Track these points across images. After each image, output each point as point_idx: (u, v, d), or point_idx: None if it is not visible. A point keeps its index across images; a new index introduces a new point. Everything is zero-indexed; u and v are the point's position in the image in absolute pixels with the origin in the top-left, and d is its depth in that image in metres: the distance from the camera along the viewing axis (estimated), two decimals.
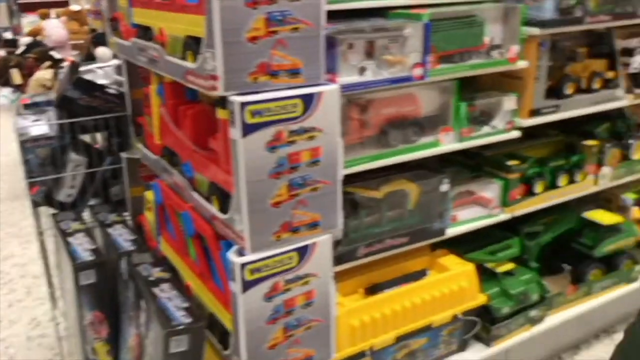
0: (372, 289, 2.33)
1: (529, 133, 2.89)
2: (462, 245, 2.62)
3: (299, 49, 1.63)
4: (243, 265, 1.67)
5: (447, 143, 2.30)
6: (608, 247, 2.84)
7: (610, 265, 2.90)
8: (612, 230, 2.85)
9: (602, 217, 2.85)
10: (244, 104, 1.55)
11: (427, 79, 2.08)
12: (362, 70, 2.01)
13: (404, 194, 2.35)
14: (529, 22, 2.36)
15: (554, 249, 2.98)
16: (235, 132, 1.59)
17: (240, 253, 1.70)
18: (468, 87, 2.50)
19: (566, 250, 2.95)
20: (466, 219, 2.51)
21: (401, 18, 2.10)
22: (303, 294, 1.81)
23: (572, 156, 2.79)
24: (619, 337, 3.18)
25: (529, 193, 2.66)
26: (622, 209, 3.03)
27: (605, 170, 2.82)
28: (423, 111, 2.29)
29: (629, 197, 3.00)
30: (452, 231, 2.45)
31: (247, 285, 1.69)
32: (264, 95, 1.59)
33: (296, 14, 1.60)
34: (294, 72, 1.65)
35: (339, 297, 2.19)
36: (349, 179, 2.11)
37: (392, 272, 2.41)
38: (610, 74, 2.74)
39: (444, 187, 2.37)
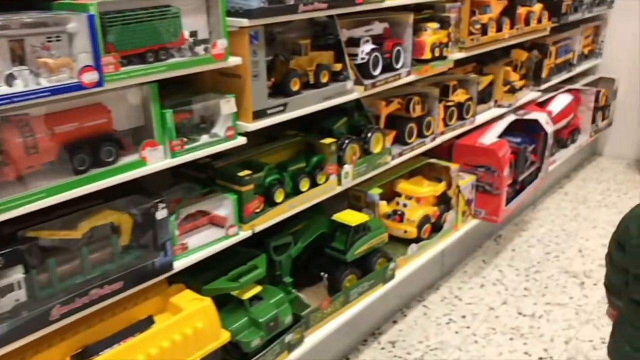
0: (81, 355, 1.83)
1: (271, 135, 2.64)
2: (204, 273, 2.25)
3: None
4: None
5: (154, 161, 1.88)
6: (359, 249, 2.68)
7: (365, 267, 2.75)
8: (361, 230, 2.69)
9: (349, 218, 2.68)
10: None
11: (105, 86, 1.64)
12: (9, 79, 1.50)
13: (111, 228, 1.89)
14: (236, 13, 2.04)
15: (310, 256, 2.76)
16: None
17: None
18: (186, 90, 2.12)
19: (322, 257, 2.74)
20: (198, 246, 2.13)
21: (65, 9, 1.62)
22: None
23: (312, 157, 2.57)
24: (385, 338, 3.18)
25: (271, 203, 2.37)
26: (370, 206, 2.91)
27: (347, 168, 2.66)
28: (119, 124, 1.85)
29: (374, 192, 2.88)
30: (182, 263, 2.06)
31: None
32: None
33: None
34: None
35: None
36: (31, 219, 1.61)
37: (110, 326, 1.93)
38: (337, 66, 2.57)
39: (161, 213, 1.95)
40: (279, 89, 2.32)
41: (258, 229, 2.30)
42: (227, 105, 2.05)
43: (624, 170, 5.20)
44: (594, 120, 5.00)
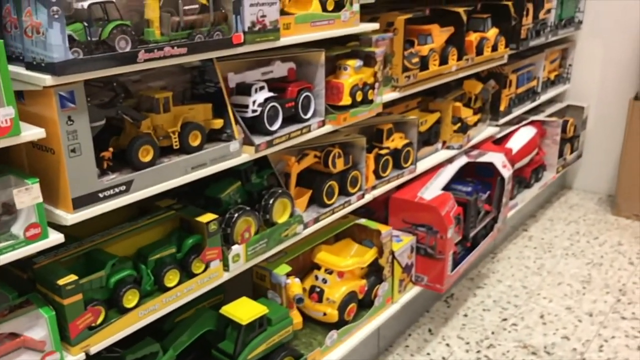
0: None
1: (143, 207, 2.05)
2: None
3: None
4: None
5: None
6: (254, 351, 2.09)
7: None
8: (257, 326, 2.10)
9: (241, 311, 2.09)
10: None
11: None
12: None
13: None
14: (38, 66, 1.45)
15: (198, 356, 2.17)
16: None
17: None
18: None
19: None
20: None
21: None
22: None
23: (187, 238, 1.98)
24: None
25: (120, 310, 1.77)
26: (275, 288, 2.32)
27: (236, 249, 2.06)
28: None
29: (280, 272, 2.29)
30: None
31: None
32: None
33: None
34: None
35: None
36: None
37: None
38: (217, 123, 1.98)
39: None
40: (127, 160, 1.73)
41: (96, 349, 1.69)
42: (27, 195, 1.45)
43: (595, 207, 4.65)
44: (561, 154, 4.46)
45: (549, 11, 4.02)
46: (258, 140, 2.05)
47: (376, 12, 2.74)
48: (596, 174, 4.87)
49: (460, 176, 3.39)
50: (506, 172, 3.39)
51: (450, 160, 3.29)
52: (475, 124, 3.54)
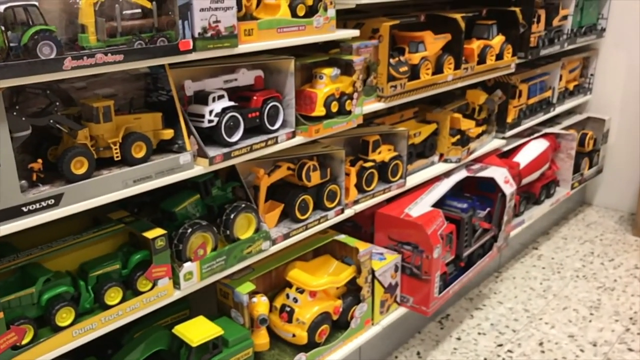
0: None
1: (98, 219, 1.96)
2: None
3: None
4: None
5: None
6: None
7: None
8: (211, 348, 1.98)
9: (194, 331, 1.97)
10: None
11: None
12: None
13: None
14: None
15: None
16: None
17: None
18: None
19: None
20: None
21: None
22: None
23: (134, 254, 1.87)
24: None
25: (54, 328, 1.68)
26: (238, 307, 2.19)
27: (189, 267, 1.95)
28: None
29: (242, 291, 2.16)
30: None
31: None
32: None
33: None
34: None
35: None
36: None
37: None
38: (166, 134, 1.87)
39: None
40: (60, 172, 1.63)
41: None
42: None
43: (615, 226, 4.37)
44: (577, 169, 4.20)
45: (565, 18, 3.79)
46: (214, 152, 1.93)
47: (370, 17, 2.60)
48: (618, 190, 4.59)
49: (460, 191, 3.21)
50: (508, 188, 3.19)
51: (447, 174, 3.10)
52: (479, 136, 3.35)
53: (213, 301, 2.30)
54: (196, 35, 1.77)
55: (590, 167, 4.37)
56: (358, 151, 2.73)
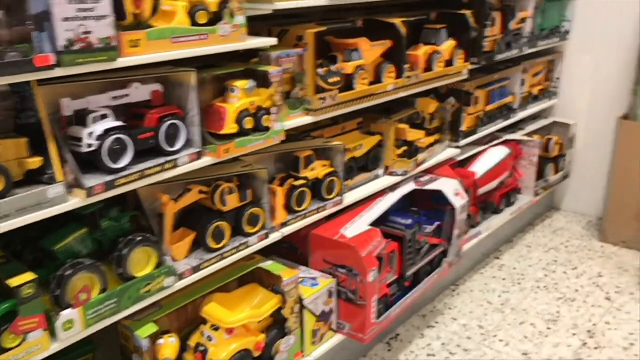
0: None
1: None
2: None
3: None
4: None
5: None
6: None
7: None
8: None
9: None
10: None
11: None
12: None
13: None
14: None
15: None
16: None
17: None
18: None
19: None
20: None
21: None
22: None
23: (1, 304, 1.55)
24: None
25: None
26: (139, 352, 1.87)
27: (68, 314, 1.62)
28: None
29: (141, 335, 1.83)
30: None
31: None
32: None
33: None
34: None
35: None
36: None
37: None
38: (32, 162, 1.54)
39: None
40: None
41: None
42: None
43: (582, 232, 4.05)
44: (541, 175, 3.88)
45: (523, 21, 3.45)
46: (95, 181, 1.61)
47: (303, 23, 2.27)
48: (585, 196, 4.26)
49: (410, 205, 2.89)
50: (458, 201, 2.86)
51: (392, 189, 2.78)
52: (431, 146, 3.02)
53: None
54: (60, 48, 1.45)
55: (556, 172, 4.05)
56: (290, 168, 2.40)
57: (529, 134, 3.81)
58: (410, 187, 2.83)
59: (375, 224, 2.53)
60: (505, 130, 3.69)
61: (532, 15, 3.49)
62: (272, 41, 2.03)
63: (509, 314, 3.09)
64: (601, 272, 3.51)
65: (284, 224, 2.26)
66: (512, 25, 3.33)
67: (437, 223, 2.84)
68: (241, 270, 2.18)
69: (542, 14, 3.64)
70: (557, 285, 3.37)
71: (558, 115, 4.21)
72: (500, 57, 3.27)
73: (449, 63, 2.91)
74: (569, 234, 4.03)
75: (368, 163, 2.71)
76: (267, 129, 2.04)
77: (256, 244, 2.15)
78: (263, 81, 2.03)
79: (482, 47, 3.08)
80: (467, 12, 2.93)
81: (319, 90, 2.24)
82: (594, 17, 3.91)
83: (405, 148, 2.82)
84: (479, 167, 3.33)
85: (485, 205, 3.46)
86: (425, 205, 2.93)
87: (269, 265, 2.23)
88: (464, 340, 2.88)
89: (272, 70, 2.00)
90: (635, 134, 3.61)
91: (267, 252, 2.33)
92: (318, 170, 2.40)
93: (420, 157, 2.90)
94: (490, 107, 3.44)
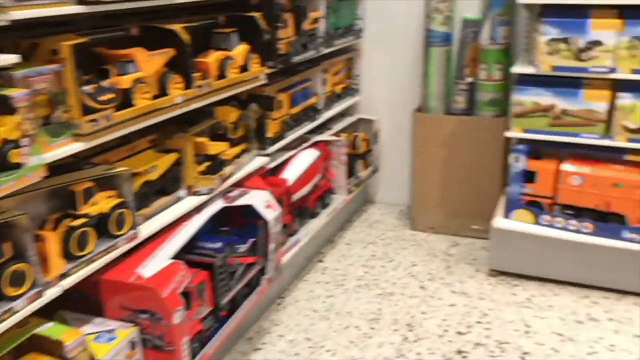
0: None
1: None
2: None
3: None
4: None
5: None
6: None
7: None
8: None
9: None
10: None
11: None
12: None
13: None
14: None
15: None
16: None
17: None
18: None
19: None
20: None
21: None
22: None
23: None
24: None
25: None
26: None
27: None
28: None
29: None
30: None
31: None
32: None
33: None
34: None
35: None
36: None
37: None
38: None
39: None
40: None
41: None
42: None
43: (395, 222, 4.15)
44: (352, 173, 3.88)
45: (316, 20, 3.37)
46: None
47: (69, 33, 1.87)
48: (395, 187, 4.39)
49: (222, 224, 2.62)
50: (270, 213, 2.67)
51: (198, 209, 2.49)
52: (238, 157, 2.79)
53: None
54: None
55: (366, 168, 4.09)
56: (68, 205, 1.99)
57: (337, 133, 3.78)
58: (218, 205, 2.57)
59: (181, 253, 2.23)
60: (313, 131, 3.60)
61: (324, 14, 3.43)
62: (13, 58, 1.61)
63: (334, 320, 3.00)
64: (414, 260, 3.60)
65: (64, 275, 1.86)
66: (305, 25, 3.23)
67: (250, 240, 2.63)
68: (12, 342, 1.73)
69: (335, 12, 3.61)
70: (377, 280, 3.38)
71: (362, 111, 4.26)
72: (297, 58, 3.14)
73: (243, 68, 2.70)
74: (383, 226, 4.11)
75: (166, 185, 2.39)
76: (18, 165, 1.62)
77: (27, 307, 1.72)
78: (5, 108, 1.60)
79: (277, 50, 2.92)
80: (257, 14, 2.74)
81: (88, 110, 1.86)
82: (383, 15, 4.02)
83: (208, 163, 2.55)
84: (291, 173, 3.19)
85: (300, 211, 3.34)
86: (238, 222, 2.69)
87: (47, 329, 1.81)
88: (291, 358, 2.71)
89: (15, 93, 1.59)
90: (428, 124, 3.77)
91: (53, 308, 1.91)
92: (102, 203, 2.02)
93: (227, 170, 2.65)
94: (294, 110, 3.31)
